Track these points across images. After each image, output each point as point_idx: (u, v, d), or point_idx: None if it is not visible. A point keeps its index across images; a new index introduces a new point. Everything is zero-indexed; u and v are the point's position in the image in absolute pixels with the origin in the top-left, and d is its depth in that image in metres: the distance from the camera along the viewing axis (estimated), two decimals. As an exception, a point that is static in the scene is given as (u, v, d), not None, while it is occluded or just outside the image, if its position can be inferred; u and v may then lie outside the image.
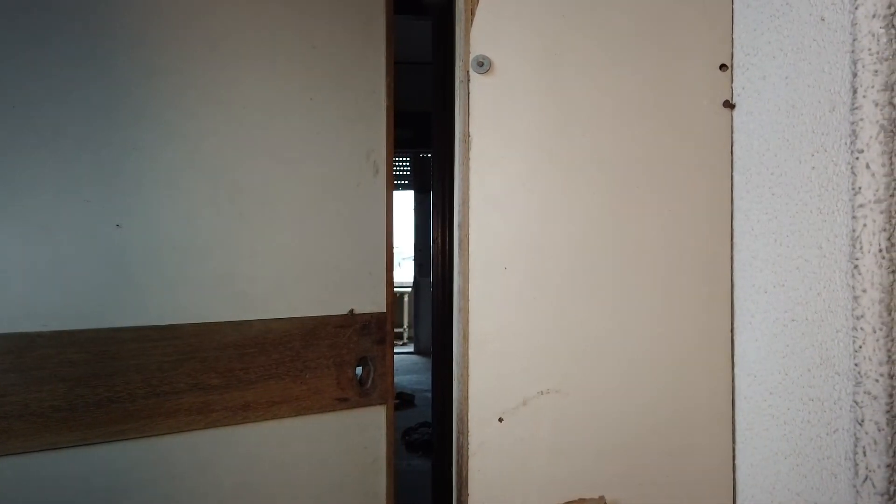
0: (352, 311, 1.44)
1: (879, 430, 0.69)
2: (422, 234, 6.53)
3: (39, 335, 1.12)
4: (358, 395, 1.44)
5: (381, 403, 1.48)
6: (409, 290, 7.14)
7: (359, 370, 1.46)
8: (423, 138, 5.07)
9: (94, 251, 1.19)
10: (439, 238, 2.60)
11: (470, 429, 0.91)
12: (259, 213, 1.34)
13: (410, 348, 7.07)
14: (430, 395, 4.79)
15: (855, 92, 0.71)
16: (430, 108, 2.63)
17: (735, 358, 0.95)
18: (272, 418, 1.33)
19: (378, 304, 1.49)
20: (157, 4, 1.30)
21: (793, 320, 0.82)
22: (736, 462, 0.95)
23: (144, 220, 1.23)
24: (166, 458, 1.23)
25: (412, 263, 6.79)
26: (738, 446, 0.94)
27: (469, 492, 0.91)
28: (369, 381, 1.46)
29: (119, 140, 1.24)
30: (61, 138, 1.19)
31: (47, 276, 1.14)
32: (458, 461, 0.93)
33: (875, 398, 0.69)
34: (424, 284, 6.52)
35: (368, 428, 1.47)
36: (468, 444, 0.91)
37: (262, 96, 1.38)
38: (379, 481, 1.48)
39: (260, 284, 1.33)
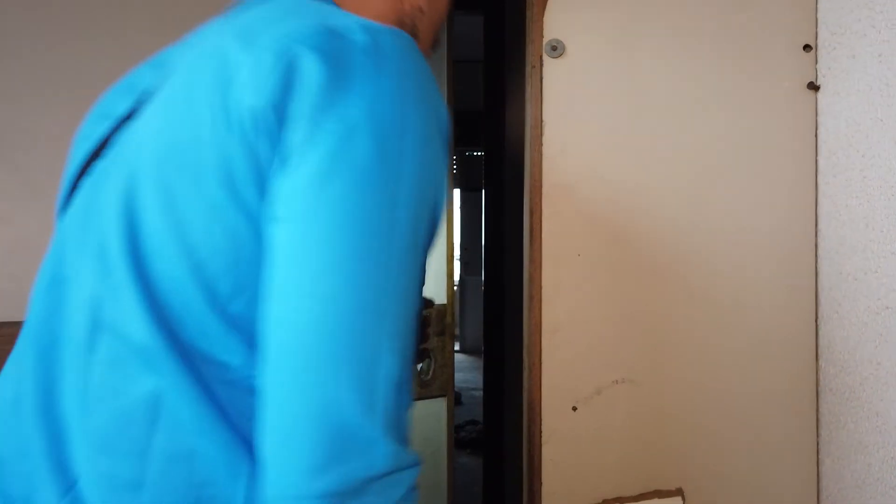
0: (413, 302, 1.44)
1: None
2: (468, 233, 6.52)
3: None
4: (419, 386, 1.45)
5: (440, 395, 1.48)
6: (455, 288, 7.14)
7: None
8: (468, 137, 5.07)
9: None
10: (491, 235, 2.58)
11: (542, 417, 0.90)
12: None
13: (456, 346, 7.08)
14: (476, 393, 4.77)
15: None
16: (474, 106, 2.61)
17: (819, 348, 0.91)
18: (336, 407, 1.34)
19: (438, 297, 1.49)
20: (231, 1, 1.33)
21: (887, 308, 0.78)
22: (819, 455, 0.91)
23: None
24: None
25: (457, 262, 6.80)
26: (822, 439, 0.91)
27: (542, 480, 0.90)
28: (430, 373, 1.46)
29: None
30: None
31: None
32: (528, 450, 0.92)
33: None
34: (470, 283, 6.51)
35: (428, 419, 1.47)
36: (540, 432, 0.90)
37: (326, 89, 1.39)
38: (439, 474, 1.48)
39: (324, 274, 1.34)
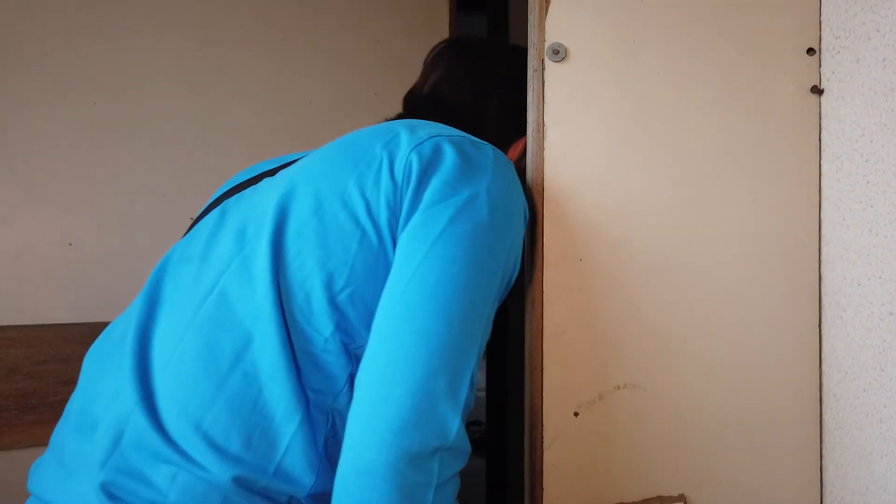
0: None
1: None
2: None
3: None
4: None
5: (443, 398, 1.48)
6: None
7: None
8: (472, 137, 5.05)
9: (168, 243, 1.21)
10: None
11: (545, 422, 0.89)
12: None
13: (457, 347, 7.04)
14: (479, 394, 4.78)
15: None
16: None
17: (823, 354, 0.91)
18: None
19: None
20: (229, 3, 1.33)
21: (891, 313, 0.78)
22: (823, 462, 0.91)
23: (216, 213, 1.25)
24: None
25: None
26: (826, 445, 0.90)
27: (544, 486, 0.89)
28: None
29: (191, 137, 1.27)
30: (137, 135, 1.23)
31: (123, 267, 1.17)
32: (531, 455, 0.92)
33: None
34: (472, 283, 6.51)
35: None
36: (542, 437, 0.90)
37: (328, 92, 1.39)
38: (441, 476, 1.48)
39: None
